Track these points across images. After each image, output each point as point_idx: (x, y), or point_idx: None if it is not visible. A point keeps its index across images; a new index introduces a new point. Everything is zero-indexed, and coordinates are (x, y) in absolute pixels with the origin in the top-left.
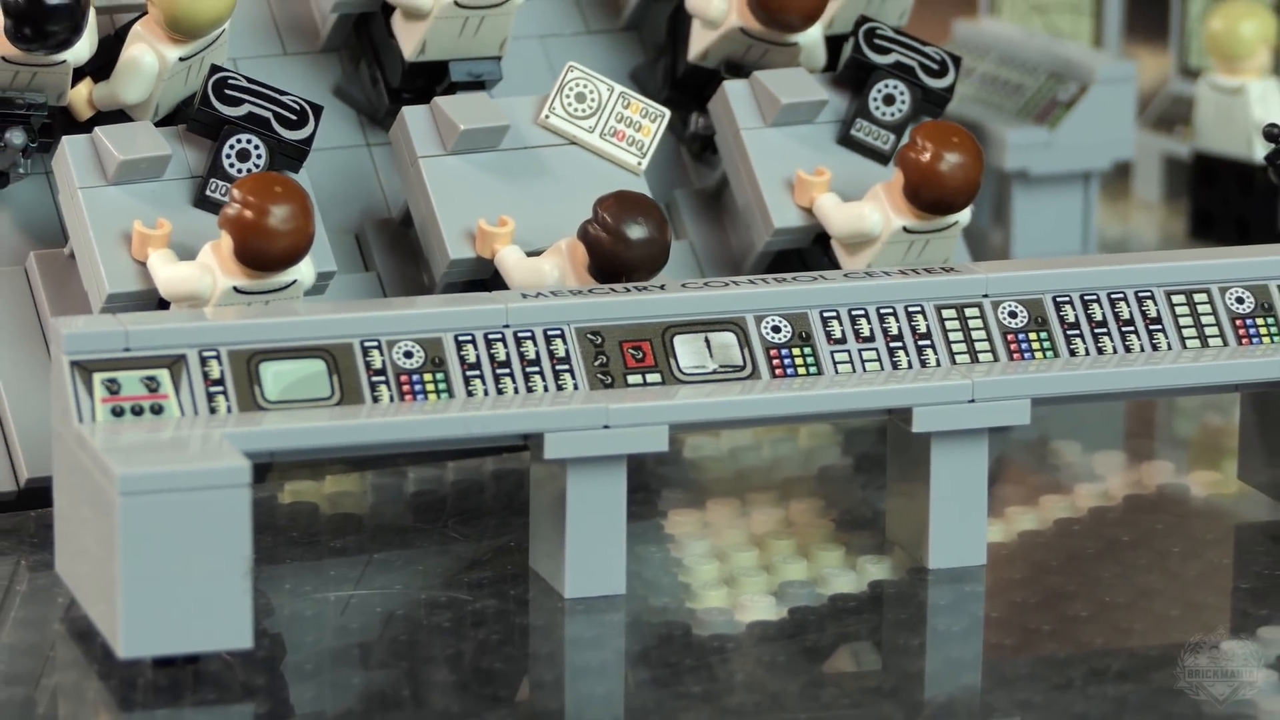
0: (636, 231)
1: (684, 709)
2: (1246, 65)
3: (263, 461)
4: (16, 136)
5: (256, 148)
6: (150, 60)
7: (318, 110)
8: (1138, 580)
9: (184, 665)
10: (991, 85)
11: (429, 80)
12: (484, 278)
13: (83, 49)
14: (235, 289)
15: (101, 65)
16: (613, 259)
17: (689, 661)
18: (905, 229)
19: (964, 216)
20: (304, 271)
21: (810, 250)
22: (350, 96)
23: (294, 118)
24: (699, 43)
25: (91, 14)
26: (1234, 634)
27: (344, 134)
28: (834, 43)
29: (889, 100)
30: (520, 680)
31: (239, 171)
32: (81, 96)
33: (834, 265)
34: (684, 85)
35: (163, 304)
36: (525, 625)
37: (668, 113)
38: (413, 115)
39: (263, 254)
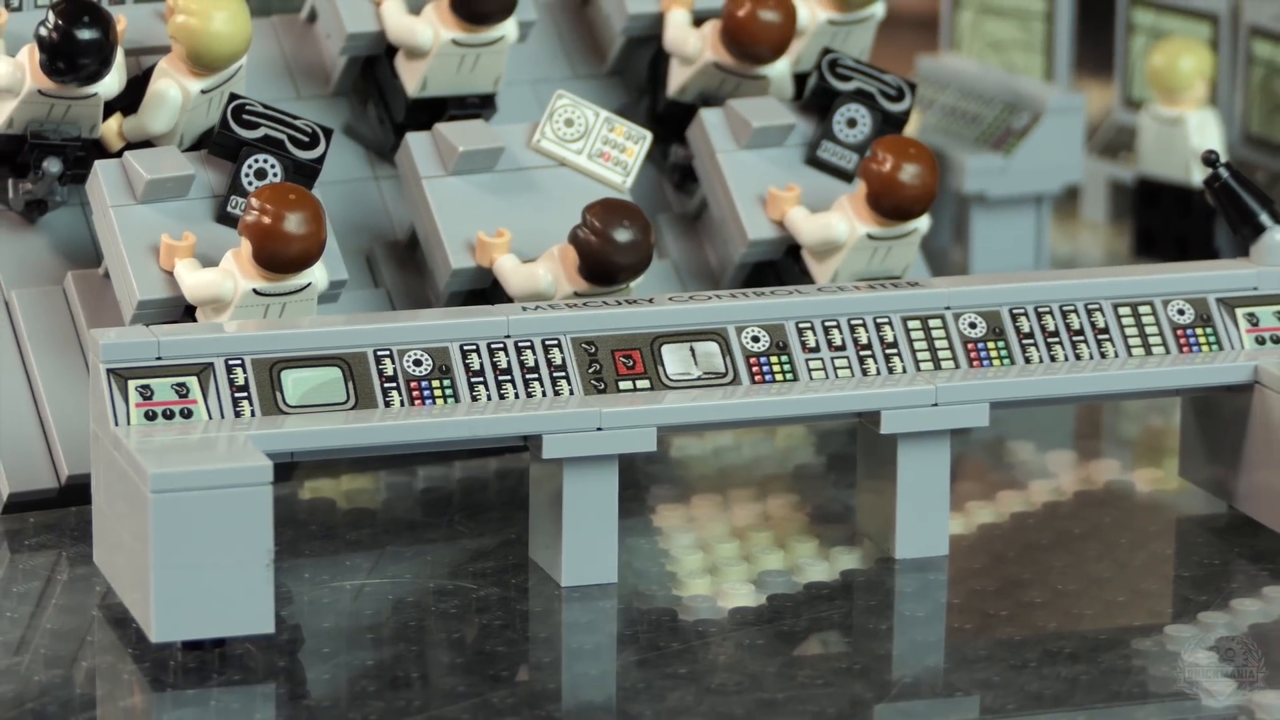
0: (623, 234)
1: (671, 688)
2: (1185, 97)
3: (284, 461)
4: (53, 165)
5: (272, 167)
6: (175, 93)
7: (328, 133)
8: (1088, 569)
9: (211, 649)
10: (952, 115)
11: (430, 116)
12: (484, 287)
13: (112, 83)
14: (255, 291)
15: (130, 101)
16: (601, 260)
17: (675, 644)
18: (869, 236)
19: (923, 224)
20: (317, 276)
21: (783, 262)
22: (360, 134)
23: (306, 139)
24: (677, 79)
25: (120, 52)
26: (1176, 619)
27: (355, 168)
28: (800, 79)
29: (851, 123)
30: (520, 662)
31: None
32: (112, 129)
33: (805, 274)
34: (664, 120)
35: (189, 310)
36: (525, 611)
37: (649, 135)
38: (416, 141)
39: (279, 256)
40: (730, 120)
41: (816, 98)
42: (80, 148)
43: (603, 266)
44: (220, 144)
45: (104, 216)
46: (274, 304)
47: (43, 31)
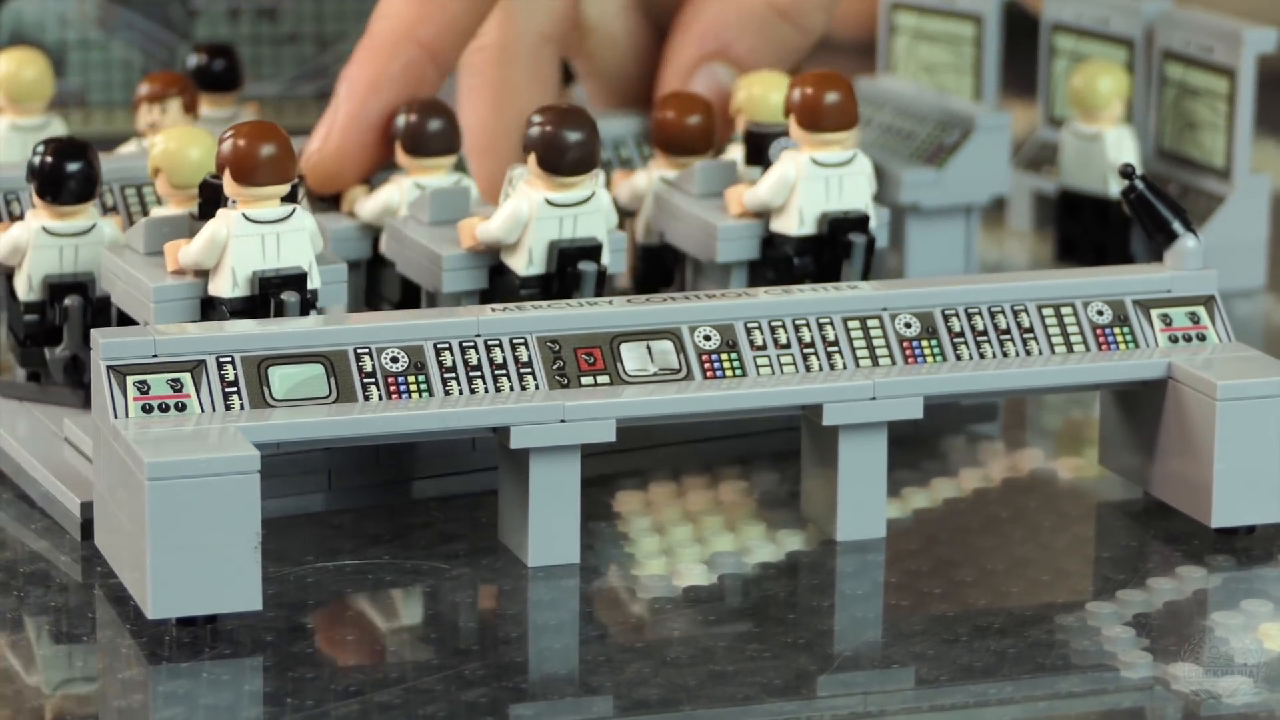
0: (570, 123)
1: (629, 661)
2: (1103, 115)
3: (270, 453)
4: (75, 301)
5: None
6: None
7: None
8: (1014, 550)
9: (203, 624)
10: (888, 133)
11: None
12: (483, 287)
13: (106, 226)
14: (245, 217)
15: None
16: (554, 142)
17: (633, 620)
18: (814, 161)
19: (863, 159)
20: (300, 212)
21: (771, 257)
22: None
23: None
24: (640, 226)
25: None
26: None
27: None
28: None
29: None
30: (490, 637)
31: None
32: None
33: (786, 261)
34: (647, 278)
35: (206, 304)
36: (495, 590)
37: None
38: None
39: (255, 169)
40: (680, 182)
41: (750, 143)
42: (98, 294)
43: (555, 148)
44: (205, 199)
45: (112, 272)
46: (268, 234)
47: (34, 161)
